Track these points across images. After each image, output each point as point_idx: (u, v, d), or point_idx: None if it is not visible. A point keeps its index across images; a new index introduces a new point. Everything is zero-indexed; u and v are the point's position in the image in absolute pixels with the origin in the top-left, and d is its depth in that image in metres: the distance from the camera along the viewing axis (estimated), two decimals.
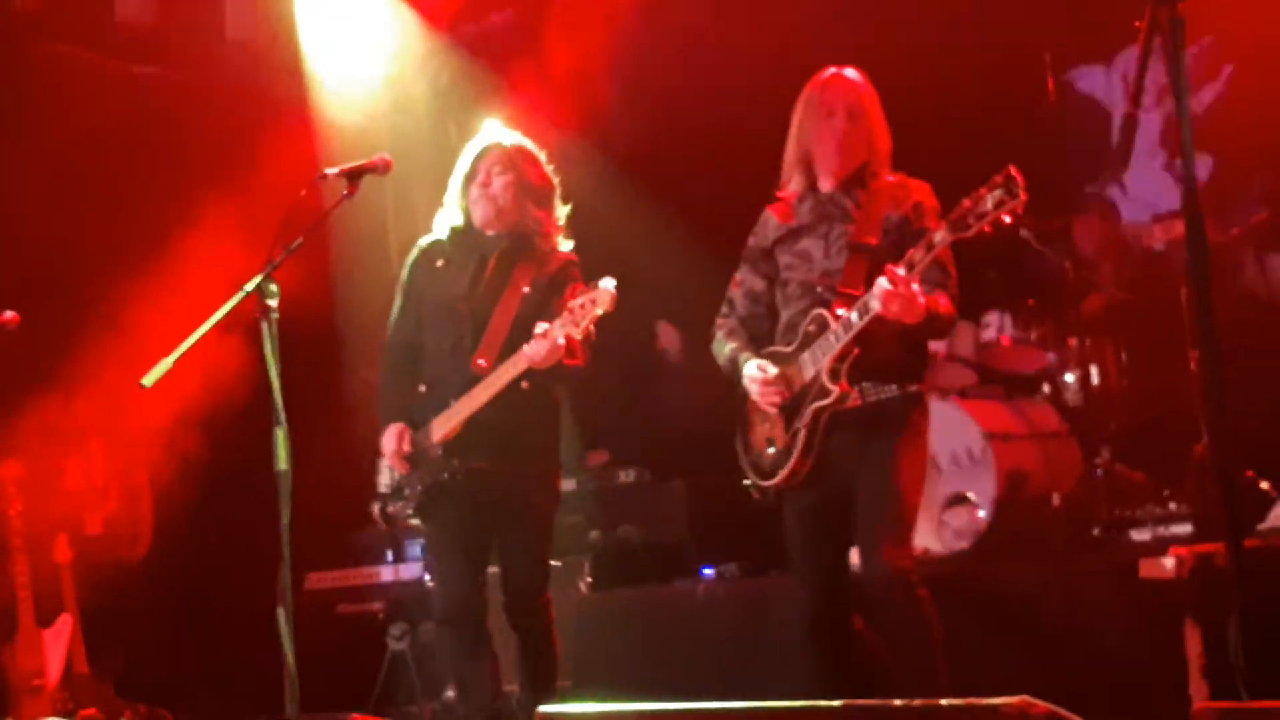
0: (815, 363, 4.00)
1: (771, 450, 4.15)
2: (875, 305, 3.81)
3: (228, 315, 3.95)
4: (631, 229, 6.60)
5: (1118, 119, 7.78)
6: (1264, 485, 5.44)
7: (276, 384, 3.80)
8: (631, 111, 7.30)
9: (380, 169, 4.20)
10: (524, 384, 4.38)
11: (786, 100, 4.33)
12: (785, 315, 4.21)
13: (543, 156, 4.68)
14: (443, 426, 4.48)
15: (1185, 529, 5.50)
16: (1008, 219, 3.66)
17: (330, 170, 4.14)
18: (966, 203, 3.72)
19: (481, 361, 4.45)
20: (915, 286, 3.79)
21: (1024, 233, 6.37)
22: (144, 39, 7.04)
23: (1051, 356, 6.35)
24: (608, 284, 4.18)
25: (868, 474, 4.03)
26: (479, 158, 4.61)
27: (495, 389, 4.37)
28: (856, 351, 3.95)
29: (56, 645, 6.10)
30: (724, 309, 4.39)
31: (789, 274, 4.21)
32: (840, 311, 3.96)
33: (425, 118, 7.41)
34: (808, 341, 4.05)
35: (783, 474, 4.09)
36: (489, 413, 4.41)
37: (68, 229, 6.60)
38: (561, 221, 4.68)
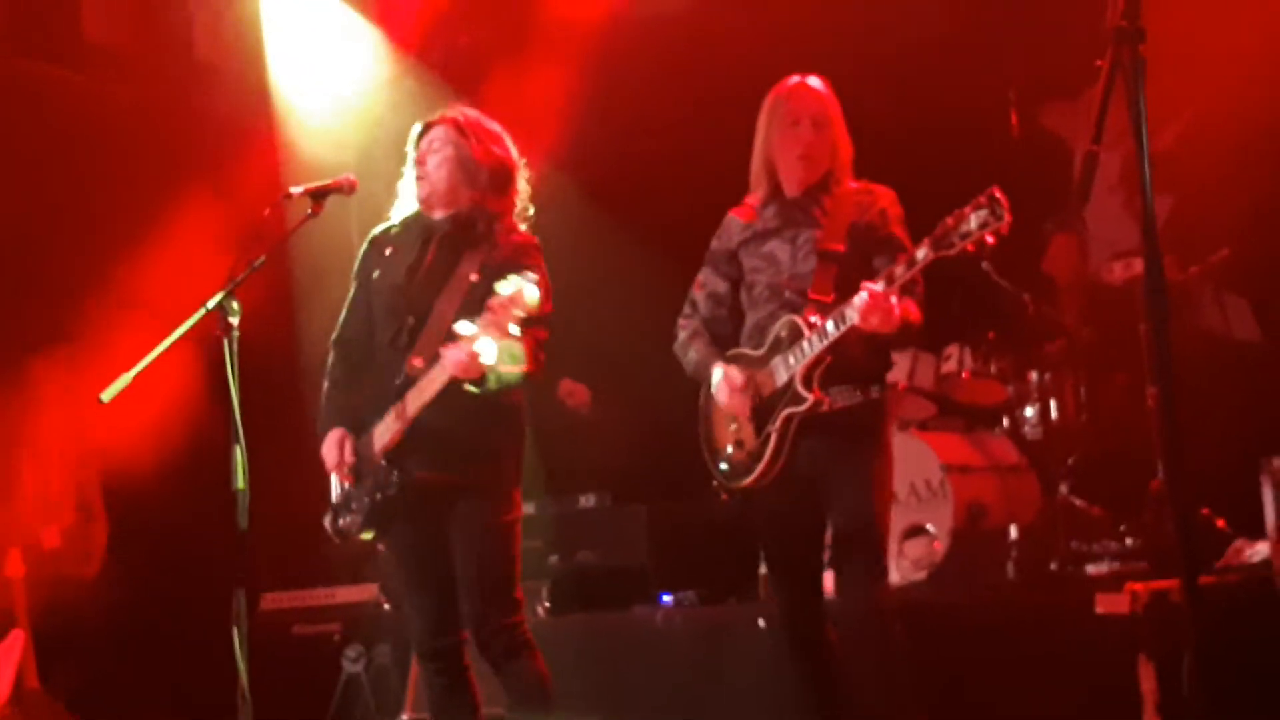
0: (789, 369, 4.03)
1: (739, 452, 4.17)
2: (853, 317, 3.85)
3: (189, 331, 3.92)
4: (598, 249, 6.63)
5: (1080, 155, 7.84)
6: (1219, 523, 5.48)
7: (236, 402, 3.78)
8: (598, 134, 7.32)
9: (345, 189, 4.17)
10: (469, 387, 3.94)
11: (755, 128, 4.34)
12: (752, 318, 4.23)
13: (499, 132, 4.28)
14: (383, 435, 4.09)
15: (1141, 565, 5.53)
16: (991, 239, 3.69)
17: (295, 189, 4.10)
18: (949, 221, 3.75)
19: (417, 361, 4.03)
20: (893, 299, 3.85)
21: (985, 265, 6.43)
22: (112, 58, 7.00)
23: (1011, 390, 6.40)
24: (527, 280, 3.77)
25: (843, 492, 4.07)
26: (419, 135, 4.27)
27: (426, 396, 3.98)
28: (829, 359, 3.99)
29: (8, 660, 6.02)
30: (686, 309, 4.41)
31: (755, 276, 4.24)
32: (814, 319, 4.00)
33: (392, 139, 7.39)
34: (779, 347, 4.08)
35: (753, 476, 4.11)
36: (432, 418, 4.00)
37: (29, 244, 6.55)
38: (520, 204, 4.28)
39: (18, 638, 6.10)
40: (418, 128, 4.28)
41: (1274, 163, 6.25)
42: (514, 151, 4.29)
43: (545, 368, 4.12)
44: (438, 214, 4.22)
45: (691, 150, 7.07)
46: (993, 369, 6.41)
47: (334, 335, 4.38)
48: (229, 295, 3.85)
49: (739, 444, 4.19)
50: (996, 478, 6.26)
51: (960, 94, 6.97)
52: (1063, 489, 6.13)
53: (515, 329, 3.76)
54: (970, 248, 3.71)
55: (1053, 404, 6.27)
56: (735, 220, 4.35)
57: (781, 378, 4.06)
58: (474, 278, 4.06)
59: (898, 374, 6.50)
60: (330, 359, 4.37)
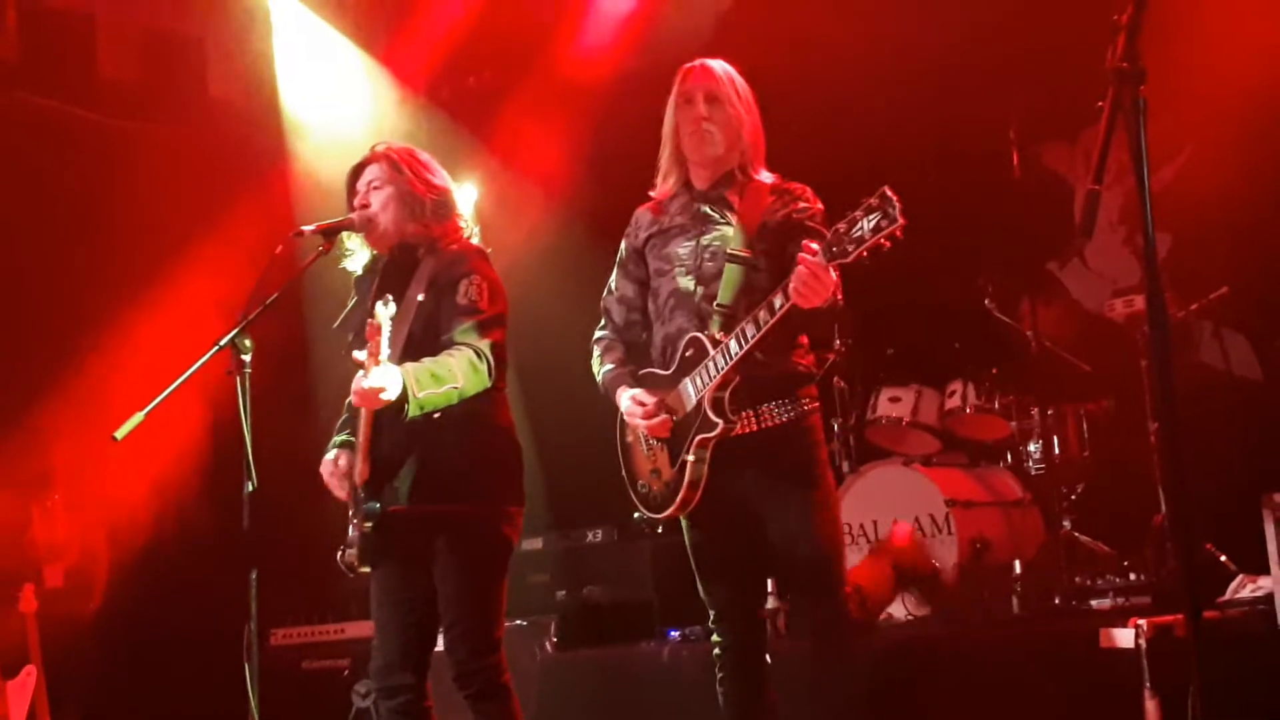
0: (696, 391, 3.76)
1: (657, 481, 3.90)
2: (779, 302, 3.55)
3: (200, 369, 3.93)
4: (601, 282, 6.67)
5: (1081, 195, 7.93)
6: (1223, 558, 5.51)
7: (248, 439, 3.75)
8: (602, 176, 7.38)
9: (357, 225, 4.14)
10: (434, 414, 3.84)
11: None
12: (661, 331, 3.95)
13: (429, 160, 4.22)
14: (357, 466, 4.00)
15: (1145, 599, 5.56)
16: (886, 244, 3.35)
17: (306, 228, 4.08)
18: (841, 226, 3.42)
19: None
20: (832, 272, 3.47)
21: (988, 303, 6.50)
22: (127, 94, 7.07)
23: (1014, 425, 6.44)
24: (378, 309, 3.67)
25: (781, 515, 3.77)
26: (351, 177, 4.19)
27: (365, 423, 3.90)
28: (738, 379, 3.72)
29: (20, 697, 6.04)
30: (601, 321, 4.14)
31: (659, 280, 3.96)
32: (719, 336, 3.73)
33: None
34: (686, 366, 3.81)
35: (672, 507, 3.83)
36: (398, 448, 3.94)
37: (41, 281, 6.60)
38: (465, 226, 4.19)
39: (30, 673, 6.12)
40: (351, 169, 4.22)
41: (1272, 200, 6.32)
42: (448, 178, 4.24)
43: (500, 376, 3.98)
44: (384, 252, 4.18)
45: None
46: (996, 405, 6.45)
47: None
48: (241, 333, 3.83)
49: (655, 473, 3.91)
50: (1000, 513, 6.30)
51: (961, 135, 7.05)
52: (1066, 524, 6.16)
53: (387, 352, 3.67)
54: (865, 255, 3.37)
55: (1055, 439, 6.31)
56: (643, 215, 4.07)
57: (690, 400, 3.78)
58: (420, 297, 3.99)
59: (902, 410, 6.57)
60: (346, 403, 4.29)
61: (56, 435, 6.52)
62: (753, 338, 3.63)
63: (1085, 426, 6.34)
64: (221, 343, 3.85)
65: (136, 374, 5.90)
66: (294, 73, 7.28)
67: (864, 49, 6.87)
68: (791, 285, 3.50)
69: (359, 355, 3.70)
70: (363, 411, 3.89)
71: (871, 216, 3.35)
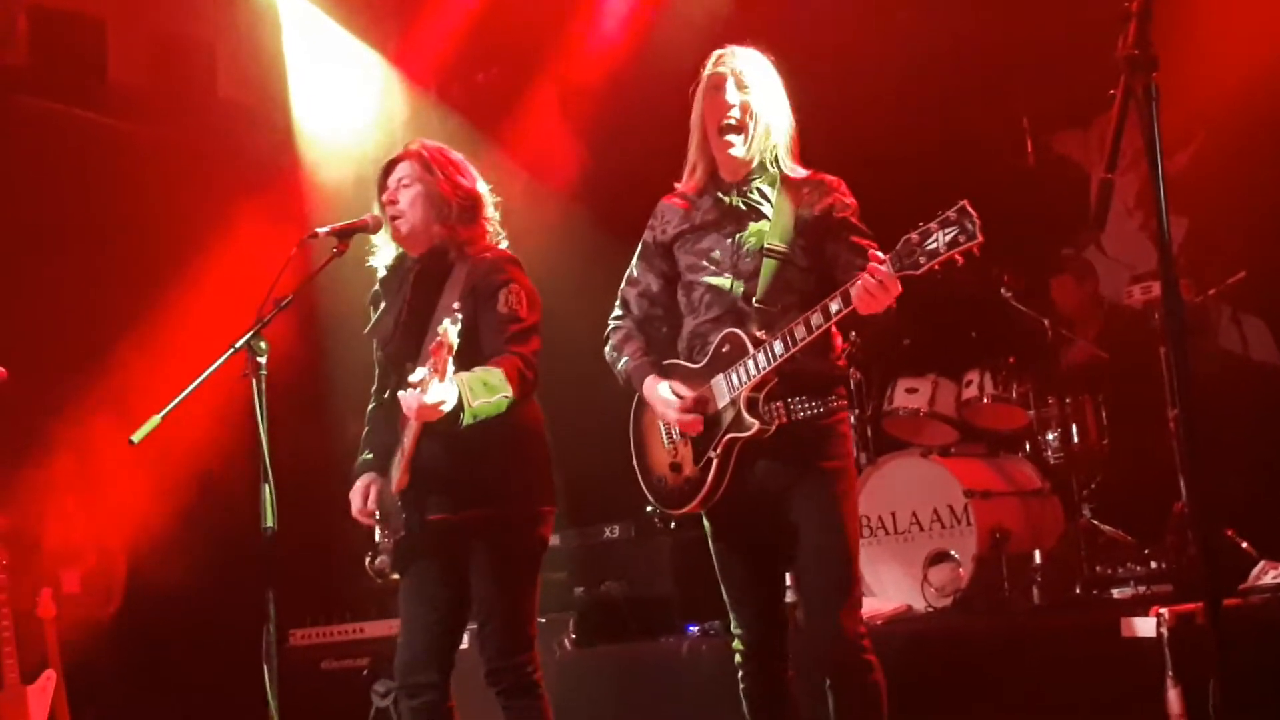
0: (731, 390, 3.66)
1: (676, 476, 3.80)
2: (836, 306, 3.46)
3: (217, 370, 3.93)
4: (616, 279, 6.67)
5: (1095, 182, 7.90)
6: (1244, 545, 5.48)
7: (264, 441, 3.74)
8: (610, 172, 7.37)
9: (371, 227, 4.14)
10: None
11: None
12: (691, 322, 3.83)
13: (462, 161, 4.21)
14: (394, 477, 4.04)
15: (1166, 587, 5.53)
16: (960, 260, 3.28)
17: (320, 230, 4.08)
18: (914, 237, 3.34)
19: None
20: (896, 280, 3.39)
21: (1004, 291, 6.46)
22: (137, 98, 7.07)
23: (1032, 415, 6.41)
24: (451, 321, 3.59)
25: (808, 520, 3.66)
26: (382, 174, 4.19)
27: (409, 441, 3.93)
28: (775, 381, 3.63)
29: (40, 701, 6.05)
30: (617, 310, 4.02)
31: (693, 275, 3.82)
32: (760, 334, 3.64)
33: None
34: (719, 362, 3.70)
35: (693, 503, 3.74)
36: (436, 457, 3.94)
37: (51, 285, 6.59)
38: (492, 229, 4.18)
39: (50, 678, 6.14)
40: (383, 165, 4.22)
41: None
42: (479, 180, 4.22)
43: (535, 384, 3.96)
44: (414, 252, 4.17)
45: None
46: (1014, 394, 6.41)
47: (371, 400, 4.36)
48: (256, 335, 3.81)
49: (676, 467, 3.80)
50: (1019, 503, 6.28)
51: (974, 123, 7.03)
52: (1086, 513, 6.13)
53: (452, 368, 3.62)
54: (937, 267, 3.30)
55: (1074, 428, 6.27)
56: (671, 208, 3.93)
57: (723, 398, 3.68)
58: (456, 305, 3.86)
59: (919, 401, 6.54)
60: (368, 411, 4.35)
61: (70, 439, 6.52)
62: (802, 340, 3.55)
63: (1104, 414, 6.29)
64: (237, 345, 3.84)
65: (149, 376, 5.92)
66: (303, 73, 7.26)
67: (876, 39, 6.86)
68: (855, 291, 3.42)
69: (420, 373, 3.62)
70: (412, 423, 3.87)
71: (949, 230, 3.27)
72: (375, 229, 4.18)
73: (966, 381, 6.55)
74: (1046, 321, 6.36)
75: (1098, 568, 5.84)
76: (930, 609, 5.94)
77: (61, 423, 6.35)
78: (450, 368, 3.65)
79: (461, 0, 7.33)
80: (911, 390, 6.60)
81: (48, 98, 6.85)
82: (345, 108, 7.40)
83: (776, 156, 3.81)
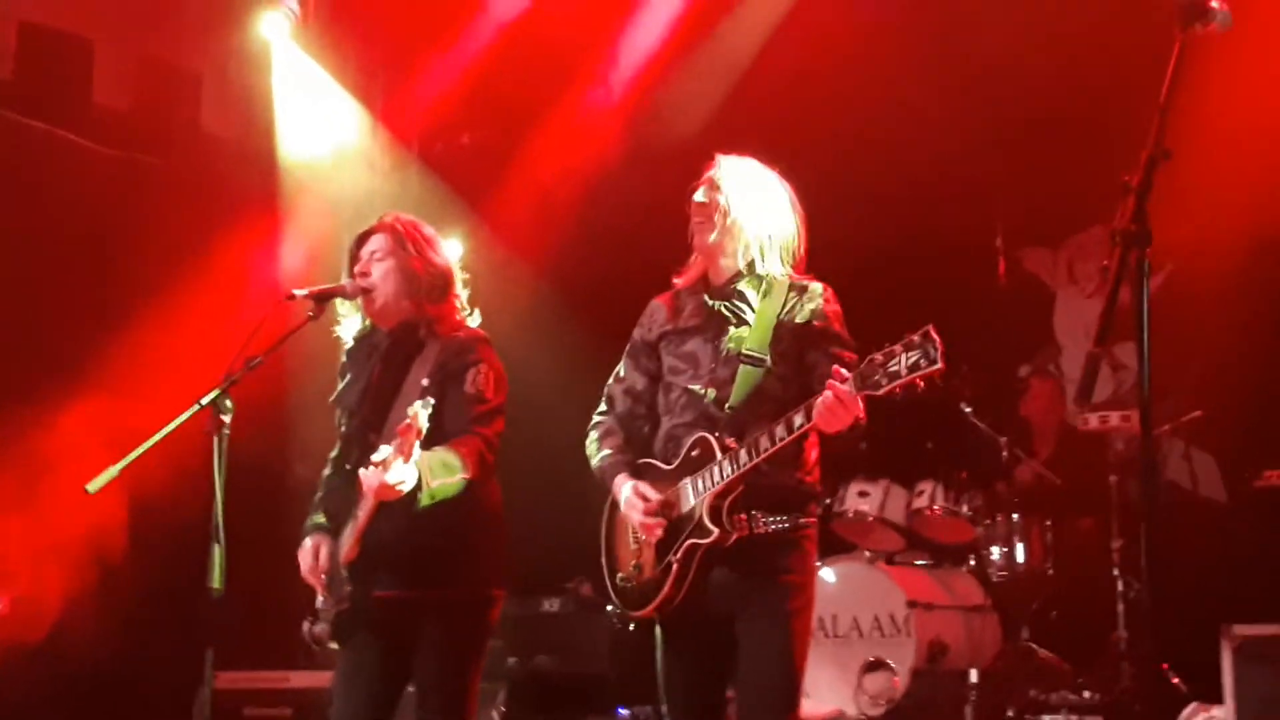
0: (696, 494, 3.66)
1: (638, 576, 3.80)
2: (800, 421, 3.48)
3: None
4: (571, 356, 6.67)
5: (1061, 299, 8.05)
6: (1175, 680, 5.53)
7: (219, 500, 3.70)
8: (587, 243, 7.39)
9: (349, 293, 4.12)
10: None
11: None
12: (667, 423, 3.85)
13: (434, 235, 4.20)
14: (343, 548, 3.97)
15: (1097, 719, 5.57)
16: (921, 384, 3.30)
17: (299, 291, 4.03)
18: (877, 357, 3.37)
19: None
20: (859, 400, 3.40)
21: (964, 406, 6.54)
22: (119, 122, 7.01)
23: (980, 531, 6.46)
24: (421, 405, 3.60)
25: (755, 639, 3.65)
26: (355, 245, 4.16)
27: (368, 510, 3.84)
28: (741, 489, 3.61)
29: None
30: (602, 405, 4.04)
31: (673, 378, 3.86)
32: (729, 441, 3.63)
33: None
34: (689, 465, 3.70)
35: (650, 606, 3.72)
36: (388, 533, 3.86)
37: (12, 306, 6.47)
38: (460, 305, 4.18)
39: None
40: (356, 236, 4.20)
41: (1244, 319, 6.41)
42: (450, 256, 4.22)
43: (496, 465, 3.95)
44: (384, 325, 4.15)
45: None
46: (964, 508, 6.47)
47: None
48: (223, 393, 3.78)
49: (638, 568, 3.80)
50: (961, 617, 6.32)
51: (948, 237, 7.13)
52: (1024, 634, 6.18)
53: (418, 452, 3.62)
54: (898, 390, 3.32)
55: (1020, 547, 6.34)
56: (660, 308, 3.99)
57: (687, 503, 3.68)
58: (425, 382, 3.94)
59: (870, 505, 6.58)
60: (324, 475, 4.28)
61: (14, 461, 6.40)
62: (765, 451, 3.55)
63: (1049, 536, 6.36)
64: (202, 401, 3.81)
65: (102, 410, 5.83)
66: (289, 116, 7.23)
67: (856, 151, 6.94)
68: (816, 409, 3.45)
69: (384, 451, 3.61)
70: (369, 497, 3.81)
71: (911, 354, 3.30)
72: (354, 295, 4.15)
73: (919, 491, 6.60)
74: (1003, 440, 6.42)
75: (1032, 692, 5.88)
76: (863, 716, 5.95)
77: (6, 444, 6.22)
78: (417, 450, 3.63)
79: (451, 59, 7.35)
80: (864, 494, 6.64)
81: (28, 114, 6.77)
82: (327, 155, 7.36)
83: (761, 260, 3.82)
